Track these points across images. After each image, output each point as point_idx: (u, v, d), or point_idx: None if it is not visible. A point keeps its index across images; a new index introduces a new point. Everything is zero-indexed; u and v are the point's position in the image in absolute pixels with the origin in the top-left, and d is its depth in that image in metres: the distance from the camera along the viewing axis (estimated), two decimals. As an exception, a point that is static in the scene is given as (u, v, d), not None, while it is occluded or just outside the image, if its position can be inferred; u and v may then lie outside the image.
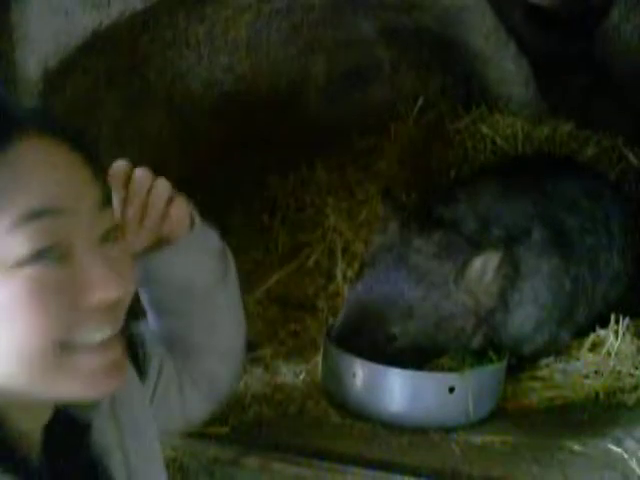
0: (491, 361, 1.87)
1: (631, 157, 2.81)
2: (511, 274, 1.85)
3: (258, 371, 2.01)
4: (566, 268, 1.94)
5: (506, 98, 3.05)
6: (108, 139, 2.33)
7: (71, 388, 0.83)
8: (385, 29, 3.08)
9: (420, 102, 3.09)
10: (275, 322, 2.29)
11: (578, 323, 2.04)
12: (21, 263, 0.78)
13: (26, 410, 0.85)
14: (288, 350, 2.14)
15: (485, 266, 1.77)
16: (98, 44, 1.98)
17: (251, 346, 2.10)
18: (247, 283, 2.41)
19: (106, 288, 0.82)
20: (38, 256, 0.78)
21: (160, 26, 2.40)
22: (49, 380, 0.81)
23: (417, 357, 1.83)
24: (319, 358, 1.98)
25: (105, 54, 2.14)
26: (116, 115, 2.40)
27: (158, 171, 2.52)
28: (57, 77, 1.77)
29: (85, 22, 1.74)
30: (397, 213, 1.86)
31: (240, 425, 1.76)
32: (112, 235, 0.87)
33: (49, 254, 0.79)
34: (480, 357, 1.89)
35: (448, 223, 1.84)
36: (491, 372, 1.83)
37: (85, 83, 2.07)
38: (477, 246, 1.79)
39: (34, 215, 0.78)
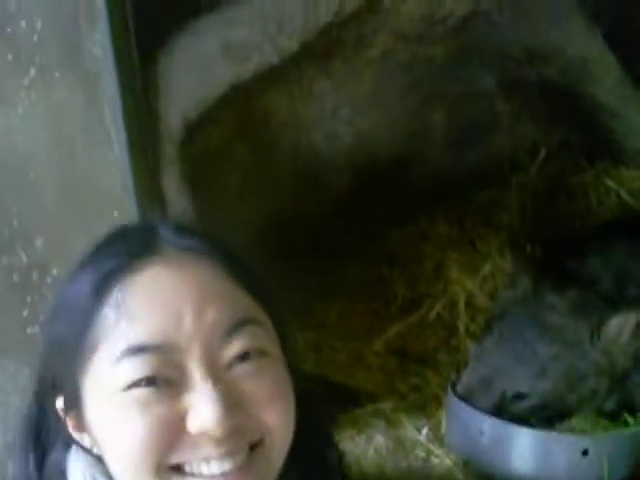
0: (626, 424, 1.79)
1: None
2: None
3: (380, 424, 1.99)
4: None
5: (632, 152, 2.97)
6: (236, 188, 2.39)
7: None
8: (506, 81, 3.06)
9: (543, 154, 3.04)
10: (394, 375, 2.26)
11: None
12: (130, 386, 0.84)
13: None
14: (409, 404, 2.10)
15: (622, 326, 1.71)
16: (232, 96, 2.04)
17: (371, 397, 2.09)
18: (366, 334, 2.43)
19: (206, 420, 0.82)
20: (147, 381, 0.84)
21: (289, 79, 2.46)
22: None
23: (545, 417, 1.78)
24: (442, 414, 1.95)
25: (237, 106, 2.21)
26: (245, 165, 2.47)
27: (282, 220, 2.59)
28: (195, 128, 1.83)
29: (225, 76, 1.80)
30: (528, 267, 1.83)
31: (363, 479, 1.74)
32: (253, 353, 0.87)
33: (157, 380, 0.84)
34: (613, 419, 1.81)
35: (582, 280, 1.79)
36: (628, 436, 1.75)
37: (218, 133, 2.14)
38: (614, 305, 1.74)
39: (140, 350, 0.84)
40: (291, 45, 1.89)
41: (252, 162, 2.41)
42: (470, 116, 3.06)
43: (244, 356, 0.86)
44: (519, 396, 1.76)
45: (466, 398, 1.78)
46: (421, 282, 2.61)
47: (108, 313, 0.86)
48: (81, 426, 0.90)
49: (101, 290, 0.87)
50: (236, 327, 0.86)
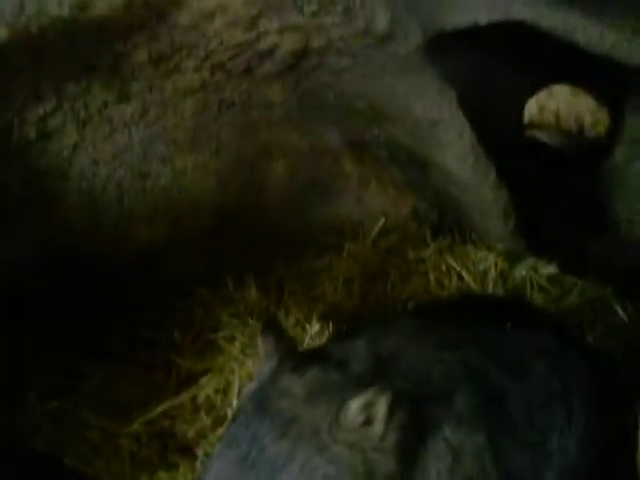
0: None
1: (620, 311, 2.53)
2: (415, 437, 1.40)
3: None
4: (496, 452, 1.48)
5: (481, 229, 2.81)
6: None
7: None
8: (352, 139, 2.81)
9: (381, 223, 2.86)
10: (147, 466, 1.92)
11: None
12: None
13: None
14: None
15: (368, 411, 1.33)
16: None
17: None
18: (128, 411, 2.02)
19: None
20: None
21: (68, 97, 2.09)
22: None
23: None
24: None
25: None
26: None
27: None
28: None
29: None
30: (277, 348, 1.44)
31: None
32: None
33: None
34: None
35: (334, 360, 1.41)
36: None
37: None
38: (362, 384, 1.35)
39: None
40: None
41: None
42: (314, 173, 2.87)
43: None
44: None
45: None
46: (210, 352, 2.31)
47: None
48: None
49: None
50: None
